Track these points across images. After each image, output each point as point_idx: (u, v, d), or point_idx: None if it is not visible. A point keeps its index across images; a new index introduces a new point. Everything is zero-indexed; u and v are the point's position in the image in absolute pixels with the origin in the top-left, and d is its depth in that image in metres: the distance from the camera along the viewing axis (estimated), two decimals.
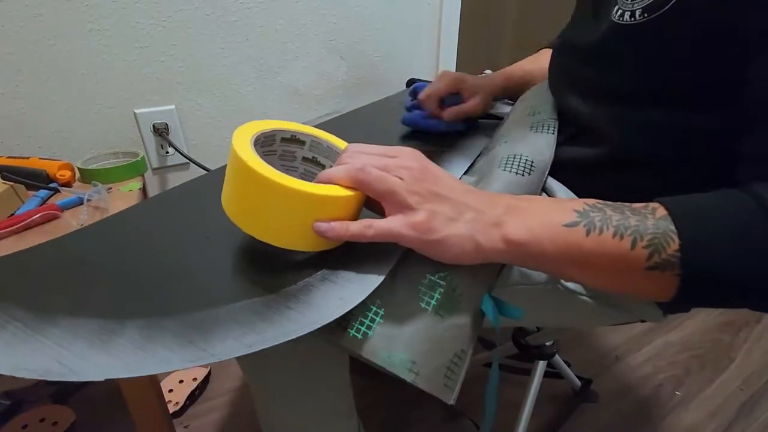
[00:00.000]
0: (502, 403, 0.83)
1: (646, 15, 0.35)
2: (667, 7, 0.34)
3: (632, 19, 0.37)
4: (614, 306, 0.44)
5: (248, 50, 0.91)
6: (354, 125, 0.66)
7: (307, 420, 0.46)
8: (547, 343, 0.76)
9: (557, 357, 0.85)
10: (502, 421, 0.81)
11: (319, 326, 0.26)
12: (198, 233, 0.34)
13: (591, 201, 0.32)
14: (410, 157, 0.34)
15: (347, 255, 0.32)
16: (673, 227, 0.29)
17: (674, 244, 0.29)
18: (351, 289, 0.29)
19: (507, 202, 0.33)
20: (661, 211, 0.30)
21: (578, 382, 0.90)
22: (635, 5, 0.36)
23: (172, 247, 0.33)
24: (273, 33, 0.92)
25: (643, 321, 0.49)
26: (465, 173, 0.50)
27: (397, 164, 0.32)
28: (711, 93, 0.35)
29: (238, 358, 0.47)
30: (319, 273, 0.30)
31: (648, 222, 0.30)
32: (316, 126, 0.40)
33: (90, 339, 0.23)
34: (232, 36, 0.88)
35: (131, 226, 0.35)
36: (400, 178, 0.32)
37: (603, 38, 0.41)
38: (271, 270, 0.30)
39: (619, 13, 0.38)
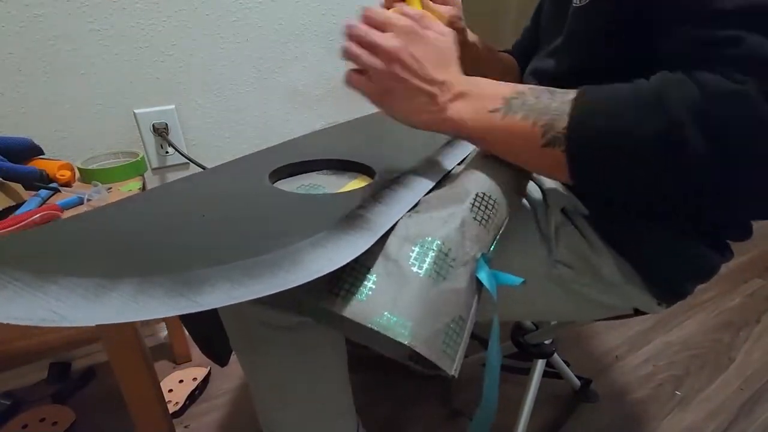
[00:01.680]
0: (502, 403, 0.83)
1: None
2: None
3: (581, 1, 0.42)
4: (607, 291, 0.44)
5: (248, 50, 0.91)
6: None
7: (306, 418, 0.47)
8: (546, 342, 0.77)
9: (557, 357, 0.85)
10: (501, 421, 0.81)
11: (306, 281, 0.27)
12: (194, 213, 0.36)
13: (523, 88, 0.37)
14: (397, 37, 0.38)
15: (339, 224, 0.33)
16: (569, 108, 0.33)
17: (563, 122, 0.33)
18: (340, 252, 0.30)
19: (459, 90, 0.39)
20: (573, 95, 0.34)
21: (578, 382, 0.90)
22: None
23: (168, 223, 0.34)
24: (273, 33, 0.92)
25: (638, 313, 0.49)
26: (458, 164, 0.51)
27: (375, 42, 0.38)
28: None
29: (238, 356, 0.48)
30: (309, 239, 0.30)
31: (553, 105, 0.34)
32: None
33: (85, 294, 0.25)
34: (232, 36, 0.88)
35: (128, 210, 0.37)
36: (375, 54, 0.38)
37: (566, 26, 0.47)
38: (265, 238, 0.31)
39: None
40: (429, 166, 0.48)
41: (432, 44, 0.39)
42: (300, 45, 0.96)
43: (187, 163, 0.92)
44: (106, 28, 0.77)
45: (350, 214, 0.34)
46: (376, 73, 0.38)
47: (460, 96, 0.39)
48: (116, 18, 0.77)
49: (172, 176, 0.94)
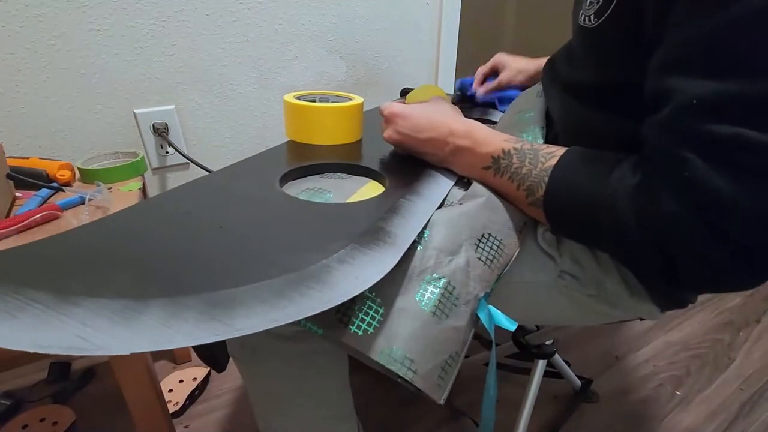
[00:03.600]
0: (502, 403, 0.83)
1: (596, 19, 0.38)
2: (608, 12, 0.37)
3: (588, 22, 0.40)
4: (612, 304, 0.44)
5: (248, 50, 0.91)
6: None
7: (306, 425, 0.46)
8: (547, 342, 0.77)
9: (557, 357, 0.85)
10: (502, 420, 0.81)
11: (338, 303, 0.27)
12: (210, 223, 0.35)
13: (510, 145, 0.42)
14: (399, 126, 0.50)
15: (362, 238, 0.33)
16: (547, 178, 0.38)
17: (541, 191, 0.38)
18: (367, 271, 0.30)
19: (454, 145, 0.46)
20: (553, 162, 0.38)
21: (578, 382, 0.90)
22: (590, 10, 0.40)
23: (187, 235, 0.33)
24: (273, 33, 0.92)
25: (641, 319, 0.49)
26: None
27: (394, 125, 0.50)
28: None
29: (236, 364, 0.47)
30: (335, 255, 0.30)
31: (534, 171, 0.39)
32: None
33: (112, 317, 0.23)
34: (232, 36, 0.88)
35: (142, 220, 0.36)
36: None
37: (574, 39, 0.46)
38: (289, 253, 0.31)
39: (582, 18, 0.41)
40: (440, 172, 0.48)
41: (409, 121, 0.49)
42: (300, 45, 0.96)
43: (187, 163, 0.92)
44: (106, 28, 0.77)
45: (372, 228, 0.34)
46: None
47: (456, 151, 0.46)
48: (116, 18, 0.77)
49: (172, 176, 0.94)
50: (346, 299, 0.27)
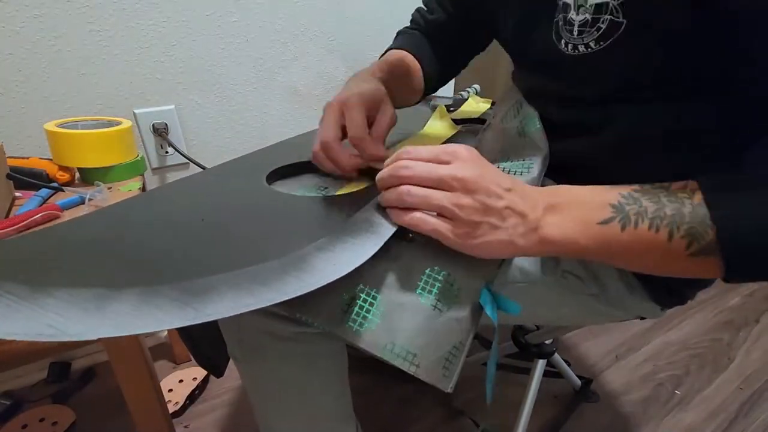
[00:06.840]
0: (502, 403, 0.83)
1: (601, 43, 0.37)
2: (621, 30, 0.35)
3: (588, 49, 0.38)
4: (613, 303, 0.44)
5: (248, 50, 0.91)
6: None
7: (306, 425, 0.46)
8: (547, 342, 0.77)
9: (557, 356, 0.85)
10: (501, 421, 0.81)
11: (316, 287, 0.27)
12: (193, 217, 0.35)
13: (627, 189, 0.32)
14: (465, 165, 0.33)
15: (344, 228, 0.33)
16: (709, 217, 0.29)
17: (711, 233, 0.29)
18: (345, 258, 0.30)
19: (547, 202, 0.34)
20: (699, 197, 0.30)
21: (578, 382, 0.90)
22: (587, 38, 0.38)
23: (168, 229, 0.34)
24: (273, 33, 0.92)
25: (642, 318, 0.49)
26: None
27: (450, 174, 0.32)
28: (693, 84, 0.36)
29: (236, 365, 0.47)
30: (315, 243, 0.30)
31: (684, 210, 0.30)
32: None
33: (84, 306, 0.24)
34: (232, 36, 0.88)
35: (125, 215, 0.36)
36: (451, 188, 0.33)
37: (564, 66, 0.42)
38: (269, 242, 0.31)
39: (571, 47, 0.40)
40: None
41: (484, 163, 0.35)
42: (300, 45, 0.96)
43: (187, 163, 0.92)
44: (106, 29, 0.77)
45: (354, 218, 0.34)
46: (463, 211, 0.32)
47: (550, 209, 0.34)
48: (116, 18, 0.77)
49: (172, 176, 0.94)
50: (322, 284, 0.27)
